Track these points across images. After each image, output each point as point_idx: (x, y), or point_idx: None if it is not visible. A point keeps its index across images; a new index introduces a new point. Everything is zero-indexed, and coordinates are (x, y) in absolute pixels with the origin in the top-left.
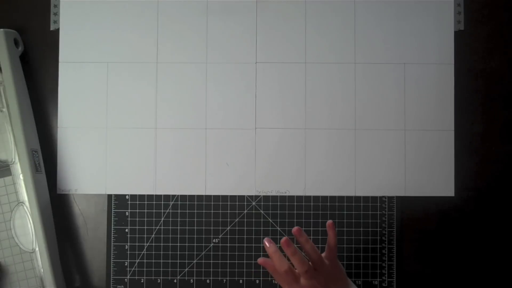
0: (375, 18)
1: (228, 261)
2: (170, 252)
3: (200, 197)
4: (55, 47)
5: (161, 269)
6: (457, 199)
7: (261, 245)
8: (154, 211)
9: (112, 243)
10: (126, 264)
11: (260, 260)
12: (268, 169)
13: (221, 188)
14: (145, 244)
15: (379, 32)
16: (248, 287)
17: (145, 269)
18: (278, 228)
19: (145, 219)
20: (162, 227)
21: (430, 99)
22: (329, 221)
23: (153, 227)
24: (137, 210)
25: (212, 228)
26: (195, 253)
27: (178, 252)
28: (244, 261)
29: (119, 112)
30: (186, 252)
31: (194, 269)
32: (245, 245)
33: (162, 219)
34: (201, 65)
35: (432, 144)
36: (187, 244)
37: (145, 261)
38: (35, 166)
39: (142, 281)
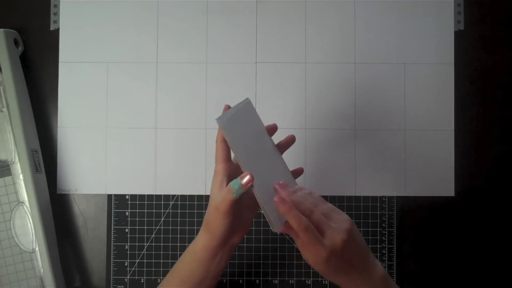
0: (375, 18)
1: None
2: (170, 252)
3: (200, 197)
4: (55, 47)
5: (161, 269)
6: (457, 199)
7: (261, 245)
8: (154, 211)
9: (112, 243)
10: (126, 264)
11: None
12: None
13: None
14: (145, 244)
15: (379, 32)
16: (248, 287)
17: (145, 269)
18: None
19: (145, 219)
20: (162, 227)
21: (430, 99)
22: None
23: (153, 227)
24: (137, 210)
25: None
26: None
27: (178, 252)
28: (244, 261)
29: (119, 112)
30: None
31: None
32: (245, 245)
33: (162, 219)
34: (201, 65)
35: (432, 144)
36: (187, 244)
37: (145, 261)
38: (35, 166)
39: (142, 281)
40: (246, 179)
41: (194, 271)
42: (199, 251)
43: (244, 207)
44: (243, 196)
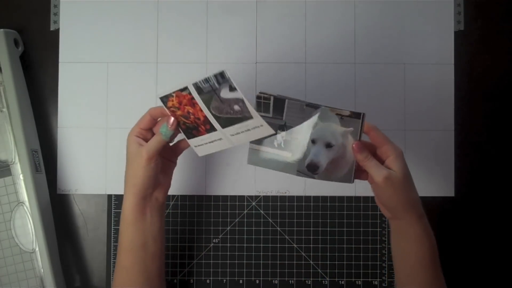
0: (375, 18)
1: (228, 261)
2: (170, 252)
3: (200, 197)
4: (55, 47)
5: None
6: (457, 199)
7: (261, 245)
8: None
9: (112, 243)
10: None
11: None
12: (268, 169)
13: (221, 188)
14: None
15: (379, 32)
16: (248, 287)
17: None
18: (278, 228)
19: None
20: None
21: (430, 99)
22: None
23: None
24: None
25: (212, 228)
26: (195, 253)
27: (178, 252)
28: (244, 261)
29: (119, 112)
30: (186, 252)
31: (194, 269)
32: (245, 245)
33: None
34: (201, 65)
35: (432, 144)
36: (187, 244)
37: None
38: (35, 166)
39: None
40: (171, 120)
41: (131, 237)
42: (127, 214)
43: (165, 159)
44: (165, 148)
